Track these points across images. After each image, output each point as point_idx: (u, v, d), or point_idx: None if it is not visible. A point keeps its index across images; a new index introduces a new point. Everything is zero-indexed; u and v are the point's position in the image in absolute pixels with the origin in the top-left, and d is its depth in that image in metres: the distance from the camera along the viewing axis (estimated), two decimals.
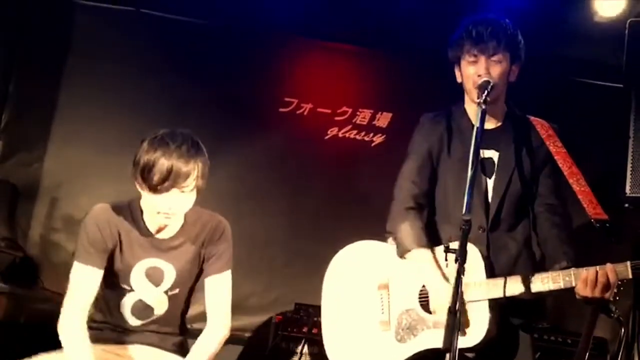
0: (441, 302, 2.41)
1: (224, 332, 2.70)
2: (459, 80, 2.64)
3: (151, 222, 2.62)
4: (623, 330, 3.44)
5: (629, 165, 3.11)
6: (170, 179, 2.40)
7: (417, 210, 2.61)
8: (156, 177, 2.40)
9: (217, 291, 2.72)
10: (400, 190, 2.67)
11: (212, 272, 2.71)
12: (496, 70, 2.51)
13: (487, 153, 2.58)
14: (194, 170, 2.45)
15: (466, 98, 2.66)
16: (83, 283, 2.54)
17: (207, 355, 2.63)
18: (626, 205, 3.12)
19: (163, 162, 2.40)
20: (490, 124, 2.59)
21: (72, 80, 4.82)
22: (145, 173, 2.41)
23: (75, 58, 4.85)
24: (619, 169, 3.15)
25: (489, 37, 2.49)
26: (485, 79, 2.45)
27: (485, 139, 2.40)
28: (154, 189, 2.42)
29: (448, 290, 2.35)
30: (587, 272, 2.28)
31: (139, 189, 2.53)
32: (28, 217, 4.70)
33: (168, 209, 2.48)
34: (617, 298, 2.32)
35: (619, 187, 3.13)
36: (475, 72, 2.52)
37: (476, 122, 2.34)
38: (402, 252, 2.57)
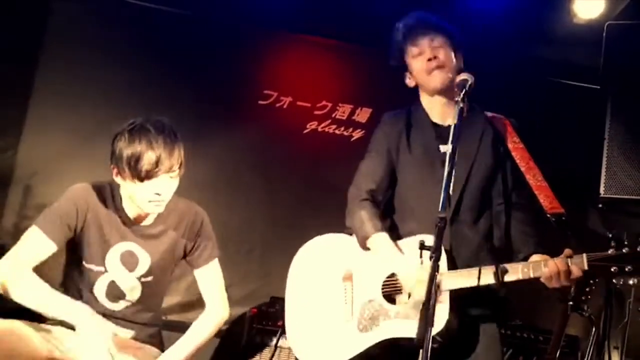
0: (409, 287, 2.45)
1: (222, 313, 2.79)
2: (411, 84, 2.72)
3: (130, 209, 2.63)
4: (594, 328, 3.49)
5: (604, 167, 3.17)
6: (159, 166, 2.45)
7: (371, 201, 2.66)
8: (146, 166, 2.43)
9: (209, 280, 2.80)
10: (356, 186, 2.72)
11: (200, 264, 2.77)
12: (442, 54, 2.60)
13: (447, 147, 2.61)
14: (178, 156, 2.52)
15: (421, 93, 2.72)
16: (32, 248, 2.52)
17: (204, 336, 2.71)
18: (600, 206, 3.17)
19: (150, 151, 2.44)
20: (450, 119, 2.62)
21: (48, 68, 4.74)
22: (132, 164, 2.44)
23: (51, 45, 4.77)
24: (595, 170, 3.19)
25: (424, 27, 2.61)
26: (464, 77, 2.47)
27: (445, 134, 2.43)
28: (145, 177, 2.45)
29: (414, 276, 2.41)
30: (548, 268, 2.31)
31: (122, 181, 2.54)
32: (1, 205, 4.63)
33: (159, 195, 2.51)
34: (589, 297, 2.35)
35: (594, 188, 3.17)
36: (423, 59, 2.61)
37: (453, 121, 2.36)
38: (362, 240, 2.61)
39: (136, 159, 2.43)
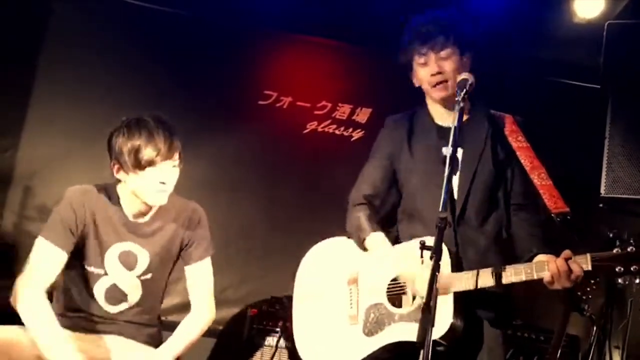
0: (414, 289, 2.43)
1: (208, 316, 2.75)
2: (416, 84, 2.67)
3: (128, 206, 2.64)
4: (595, 328, 3.49)
5: (604, 166, 3.15)
6: (160, 154, 2.51)
7: (367, 205, 2.69)
8: (148, 154, 2.49)
9: (199, 278, 2.77)
10: (356, 191, 2.75)
11: (192, 260, 2.76)
12: (448, 66, 2.54)
13: (449, 149, 2.59)
14: (177, 147, 2.58)
15: (427, 98, 2.70)
16: (44, 260, 2.52)
17: (190, 338, 2.68)
18: (601, 205, 3.16)
19: (151, 141, 2.50)
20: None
21: (48, 68, 4.74)
22: (133, 154, 2.49)
23: (51, 45, 4.77)
24: (595, 169, 3.18)
25: (437, 33, 2.53)
26: (464, 77, 2.45)
27: (449, 135, 2.41)
28: (147, 164, 2.50)
29: (417, 278, 2.39)
30: (549, 269, 2.28)
31: (124, 175, 2.56)
32: (1, 205, 4.63)
33: (164, 184, 2.56)
34: (590, 297, 2.33)
35: (595, 187, 3.16)
36: (427, 72, 2.56)
37: (453, 122, 2.34)
38: (360, 243, 2.62)
39: (137, 149, 2.49)
